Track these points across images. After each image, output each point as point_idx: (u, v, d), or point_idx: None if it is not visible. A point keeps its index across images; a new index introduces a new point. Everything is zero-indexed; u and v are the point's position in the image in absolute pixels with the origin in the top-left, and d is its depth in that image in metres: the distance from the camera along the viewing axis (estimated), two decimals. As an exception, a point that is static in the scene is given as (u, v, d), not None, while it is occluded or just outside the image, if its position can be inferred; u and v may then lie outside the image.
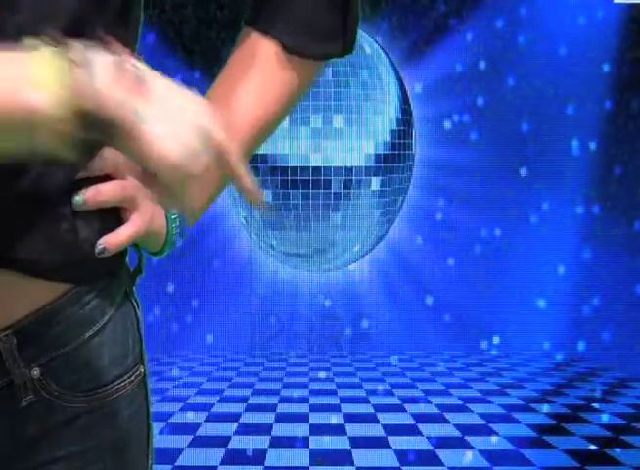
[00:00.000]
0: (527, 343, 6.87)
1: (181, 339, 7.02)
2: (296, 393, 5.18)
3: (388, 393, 5.21)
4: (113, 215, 0.69)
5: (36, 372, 0.66)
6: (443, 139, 7.06)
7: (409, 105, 6.89)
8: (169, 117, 0.54)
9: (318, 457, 3.66)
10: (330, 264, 7.02)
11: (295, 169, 6.40)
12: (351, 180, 6.44)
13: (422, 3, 6.98)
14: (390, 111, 6.61)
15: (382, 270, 7.18)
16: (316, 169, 6.41)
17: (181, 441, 3.94)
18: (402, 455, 3.69)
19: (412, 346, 6.96)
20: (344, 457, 3.66)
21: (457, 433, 4.10)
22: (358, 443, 3.91)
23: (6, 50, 0.51)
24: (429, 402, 4.87)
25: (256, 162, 6.22)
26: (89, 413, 0.69)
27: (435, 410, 4.64)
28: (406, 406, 4.75)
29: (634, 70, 6.60)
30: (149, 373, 0.77)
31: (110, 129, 0.53)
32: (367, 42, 6.72)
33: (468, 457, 3.69)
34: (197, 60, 6.68)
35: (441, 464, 3.55)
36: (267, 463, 3.57)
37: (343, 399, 4.94)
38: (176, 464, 3.56)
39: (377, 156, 6.50)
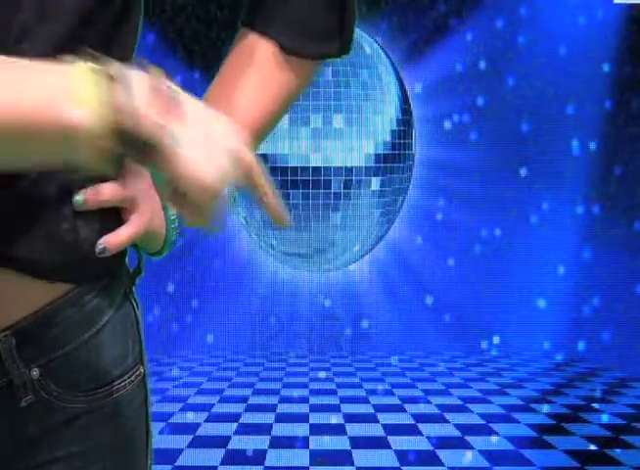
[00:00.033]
0: (527, 343, 6.87)
1: (181, 339, 7.02)
2: (296, 393, 5.18)
3: (388, 393, 5.21)
4: (113, 216, 0.70)
5: (36, 373, 0.66)
6: (443, 139, 7.06)
7: (409, 105, 6.89)
8: (202, 138, 0.56)
9: (318, 457, 3.66)
10: (330, 264, 7.02)
11: (295, 169, 6.40)
12: (351, 180, 6.44)
13: (422, 3, 6.98)
14: (390, 111, 6.61)
15: (382, 270, 7.18)
16: (316, 169, 6.41)
17: (181, 441, 3.94)
18: (402, 455, 3.69)
19: (412, 346, 6.96)
20: (344, 457, 3.66)
21: (457, 433, 4.10)
22: (358, 443, 3.91)
23: (43, 62, 0.52)
24: (429, 402, 4.87)
25: (256, 162, 6.21)
26: (89, 413, 0.69)
27: (435, 410, 4.64)
28: (406, 406, 4.75)
29: (634, 70, 6.60)
30: (148, 373, 0.77)
31: (144, 148, 0.53)
32: (367, 42, 6.72)
33: (468, 457, 3.69)
34: (197, 60, 6.68)
35: (441, 464, 3.55)
36: (267, 463, 3.57)
37: (343, 399, 4.94)
38: (176, 464, 3.56)
39: (377, 156, 6.50)
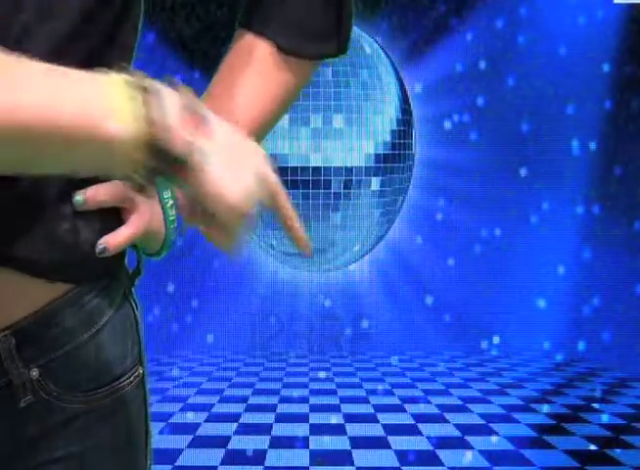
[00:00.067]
0: (527, 343, 6.87)
1: (181, 339, 7.02)
2: (296, 393, 5.18)
3: (388, 393, 5.21)
4: (113, 216, 0.70)
5: (35, 373, 0.66)
6: (443, 139, 7.06)
7: (409, 105, 6.89)
8: (229, 158, 0.57)
9: (318, 457, 3.66)
10: (330, 264, 7.02)
11: (295, 169, 6.40)
12: (351, 180, 6.44)
13: (422, 3, 6.98)
14: (390, 111, 6.61)
15: (382, 270, 7.18)
16: (316, 169, 6.41)
17: (181, 441, 3.94)
18: (402, 455, 3.69)
19: (412, 346, 6.96)
20: (344, 457, 3.66)
21: (457, 433, 4.10)
22: (358, 443, 3.91)
23: (79, 71, 0.53)
24: (429, 402, 4.87)
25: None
26: (88, 414, 0.69)
27: (435, 410, 4.64)
28: (406, 406, 4.75)
29: (634, 70, 6.60)
30: (148, 374, 0.77)
31: (175, 163, 0.54)
32: (367, 42, 6.72)
33: (468, 457, 3.69)
34: (197, 60, 6.68)
35: (441, 464, 3.55)
36: (267, 463, 3.57)
37: (343, 399, 4.94)
38: (176, 464, 3.56)
39: (377, 156, 6.50)
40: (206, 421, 4.40)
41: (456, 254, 7.11)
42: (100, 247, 0.67)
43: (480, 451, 3.75)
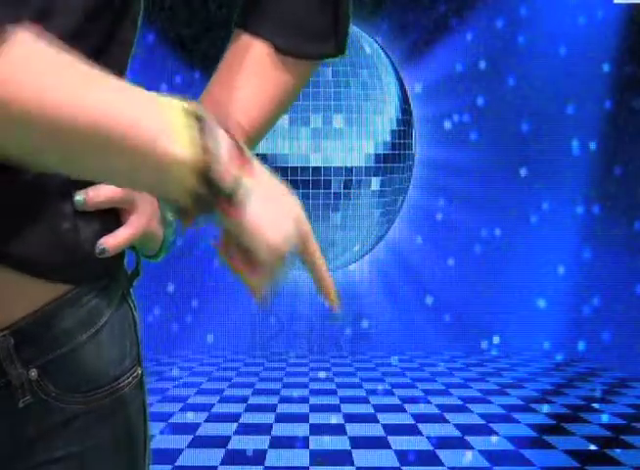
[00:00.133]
0: (527, 343, 6.87)
1: (181, 339, 7.02)
2: (296, 393, 5.18)
3: (388, 393, 5.21)
4: (113, 216, 0.70)
5: (34, 374, 0.66)
6: (443, 139, 7.06)
7: (409, 105, 6.89)
8: (270, 200, 0.59)
9: (318, 457, 3.66)
10: (330, 264, 7.00)
11: (295, 169, 6.39)
12: (351, 180, 6.44)
13: (422, 3, 6.98)
14: (390, 111, 6.61)
15: (382, 270, 7.18)
16: (316, 169, 6.41)
17: (181, 441, 3.94)
18: (402, 455, 3.69)
19: (412, 346, 6.96)
20: (344, 457, 3.66)
21: (457, 433, 4.10)
22: (358, 443, 3.91)
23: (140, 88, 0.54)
24: (429, 402, 4.87)
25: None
26: (87, 414, 0.69)
27: (435, 410, 4.64)
28: (406, 406, 4.75)
29: (634, 70, 6.60)
30: (147, 374, 0.77)
31: (220, 195, 0.55)
32: (367, 42, 6.72)
33: (468, 457, 3.69)
34: (197, 60, 6.68)
35: (441, 464, 3.55)
36: (267, 463, 3.57)
37: (343, 399, 4.94)
38: (176, 464, 3.56)
39: (377, 156, 6.50)
40: (206, 421, 4.40)
41: (456, 254, 7.11)
42: (100, 247, 0.67)
43: (480, 451, 3.75)
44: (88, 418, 0.69)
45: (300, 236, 0.62)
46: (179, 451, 3.75)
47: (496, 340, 7.02)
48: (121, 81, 0.54)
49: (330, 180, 6.42)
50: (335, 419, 4.41)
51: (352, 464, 3.56)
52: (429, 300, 7.10)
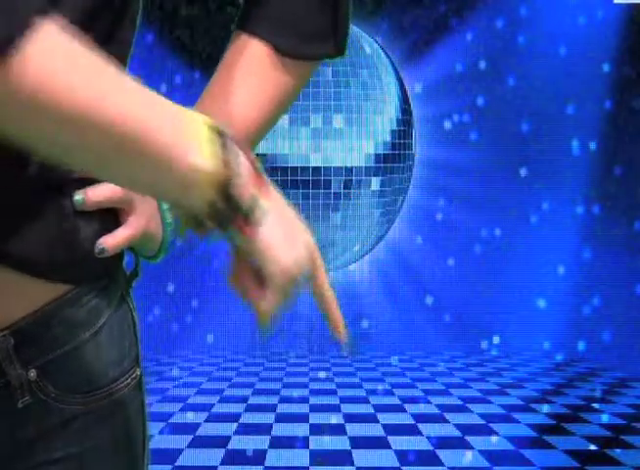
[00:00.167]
0: (527, 343, 6.87)
1: (181, 339, 7.02)
2: (296, 393, 5.18)
3: (388, 393, 5.20)
4: (112, 217, 0.70)
5: (33, 374, 0.66)
6: (443, 139, 7.06)
7: (409, 105, 6.89)
8: (285, 223, 0.60)
9: (318, 457, 3.66)
10: (330, 264, 7.01)
11: (295, 169, 6.39)
12: (351, 180, 6.44)
13: (422, 3, 6.98)
14: (390, 111, 6.61)
15: (382, 270, 7.18)
16: (316, 169, 6.41)
17: (181, 441, 3.94)
18: (402, 455, 3.69)
19: (412, 346, 6.96)
20: (344, 457, 3.66)
21: (457, 433, 4.10)
22: (358, 443, 3.91)
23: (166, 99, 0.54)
24: (429, 402, 4.87)
25: (256, 162, 6.21)
26: (87, 415, 0.69)
27: (435, 410, 4.64)
28: (406, 406, 4.75)
29: (634, 70, 6.60)
30: (147, 374, 0.77)
31: (237, 213, 0.56)
32: (367, 42, 6.71)
33: (468, 457, 3.69)
34: (197, 60, 6.68)
35: (441, 464, 3.55)
36: (267, 463, 3.57)
37: (343, 399, 4.94)
38: (176, 464, 3.56)
39: (377, 156, 6.50)
40: (206, 421, 4.40)
41: (456, 254, 7.11)
42: (99, 247, 0.67)
43: (480, 451, 3.75)
44: (87, 419, 0.69)
45: (312, 262, 0.63)
46: (179, 451, 3.75)
47: (496, 340, 7.02)
48: (146, 87, 0.54)
49: (330, 180, 6.42)
50: (335, 419, 4.41)
51: (352, 464, 3.56)
52: (429, 300, 7.10)
